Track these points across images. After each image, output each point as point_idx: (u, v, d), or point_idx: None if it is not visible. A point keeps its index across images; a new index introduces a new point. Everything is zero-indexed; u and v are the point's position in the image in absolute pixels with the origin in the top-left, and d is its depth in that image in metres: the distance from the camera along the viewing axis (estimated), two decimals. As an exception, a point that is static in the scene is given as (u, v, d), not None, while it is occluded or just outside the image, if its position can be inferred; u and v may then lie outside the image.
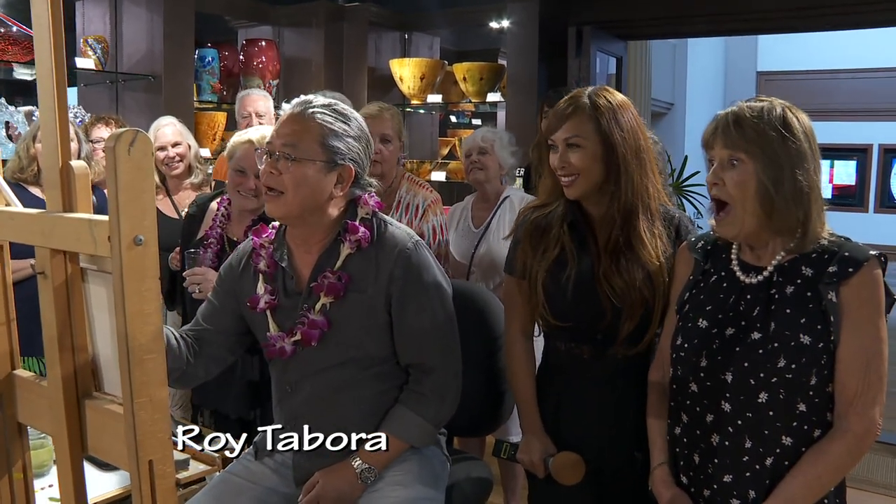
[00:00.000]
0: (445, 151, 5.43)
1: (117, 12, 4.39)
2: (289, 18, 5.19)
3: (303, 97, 1.88)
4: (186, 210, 2.91)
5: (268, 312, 1.90)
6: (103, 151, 3.36)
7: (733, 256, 1.73)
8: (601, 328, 1.91)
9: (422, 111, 5.45)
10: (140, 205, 1.12)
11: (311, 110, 1.83)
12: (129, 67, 4.37)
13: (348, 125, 1.85)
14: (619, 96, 1.94)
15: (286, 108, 1.89)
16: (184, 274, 2.47)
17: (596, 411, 1.96)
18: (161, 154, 3.45)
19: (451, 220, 3.40)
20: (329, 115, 1.83)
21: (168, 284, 2.83)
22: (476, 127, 6.31)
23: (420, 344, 1.87)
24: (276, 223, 1.97)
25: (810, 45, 10.39)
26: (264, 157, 1.84)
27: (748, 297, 1.67)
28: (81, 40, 4.24)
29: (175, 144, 3.49)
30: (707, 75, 10.93)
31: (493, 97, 4.94)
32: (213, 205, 2.73)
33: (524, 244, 2.00)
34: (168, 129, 3.51)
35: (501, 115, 5.25)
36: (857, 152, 11.63)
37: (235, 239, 2.55)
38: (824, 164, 1.67)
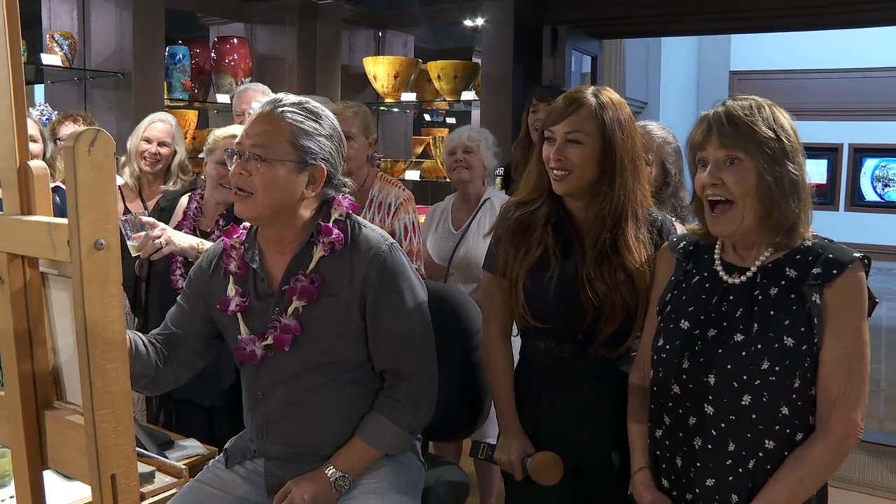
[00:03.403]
0: (420, 150, 5.39)
1: (85, 7, 4.29)
2: (262, 16, 5.13)
3: (272, 96, 1.84)
4: (156, 203, 2.87)
5: (239, 315, 1.85)
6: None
7: (716, 257, 1.71)
8: (582, 329, 1.88)
9: (395, 110, 5.41)
10: (102, 207, 1.07)
11: (280, 109, 1.78)
12: (98, 64, 4.28)
13: (319, 124, 1.81)
14: (618, 96, 1.92)
15: (255, 107, 1.84)
16: (130, 240, 2.34)
17: (575, 410, 1.93)
18: (143, 146, 3.36)
19: (430, 220, 3.36)
20: (300, 114, 1.78)
21: (133, 291, 2.78)
22: (451, 125, 6.28)
23: (395, 349, 1.83)
24: (248, 223, 1.92)
25: (783, 45, 10.50)
26: (234, 157, 1.79)
27: (731, 297, 1.65)
28: (48, 36, 4.13)
29: (161, 144, 3.38)
30: (680, 74, 11.01)
31: (467, 96, 4.90)
32: (184, 199, 2.72)
33: (506, 243, 1.96)
34: (159, 126, 3.40)
35: (476, 114, 5.21)
36: (828, 151, 11.75)
37: (208, 231, 2.60)
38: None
